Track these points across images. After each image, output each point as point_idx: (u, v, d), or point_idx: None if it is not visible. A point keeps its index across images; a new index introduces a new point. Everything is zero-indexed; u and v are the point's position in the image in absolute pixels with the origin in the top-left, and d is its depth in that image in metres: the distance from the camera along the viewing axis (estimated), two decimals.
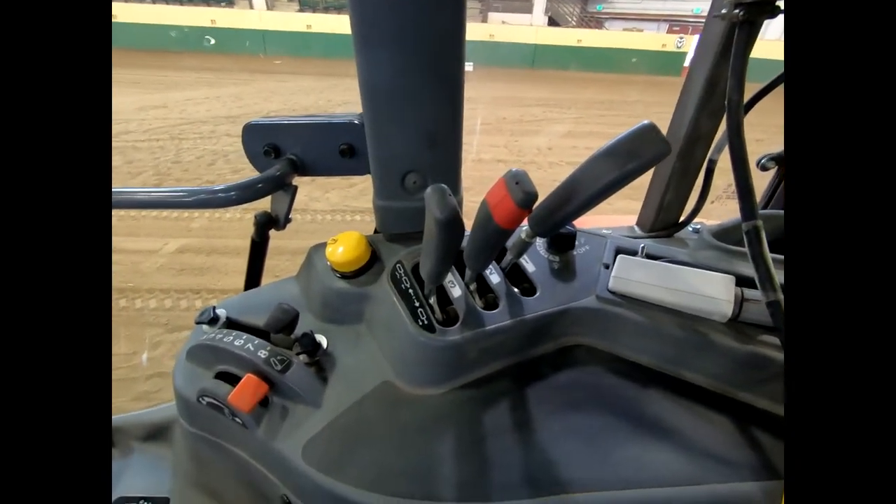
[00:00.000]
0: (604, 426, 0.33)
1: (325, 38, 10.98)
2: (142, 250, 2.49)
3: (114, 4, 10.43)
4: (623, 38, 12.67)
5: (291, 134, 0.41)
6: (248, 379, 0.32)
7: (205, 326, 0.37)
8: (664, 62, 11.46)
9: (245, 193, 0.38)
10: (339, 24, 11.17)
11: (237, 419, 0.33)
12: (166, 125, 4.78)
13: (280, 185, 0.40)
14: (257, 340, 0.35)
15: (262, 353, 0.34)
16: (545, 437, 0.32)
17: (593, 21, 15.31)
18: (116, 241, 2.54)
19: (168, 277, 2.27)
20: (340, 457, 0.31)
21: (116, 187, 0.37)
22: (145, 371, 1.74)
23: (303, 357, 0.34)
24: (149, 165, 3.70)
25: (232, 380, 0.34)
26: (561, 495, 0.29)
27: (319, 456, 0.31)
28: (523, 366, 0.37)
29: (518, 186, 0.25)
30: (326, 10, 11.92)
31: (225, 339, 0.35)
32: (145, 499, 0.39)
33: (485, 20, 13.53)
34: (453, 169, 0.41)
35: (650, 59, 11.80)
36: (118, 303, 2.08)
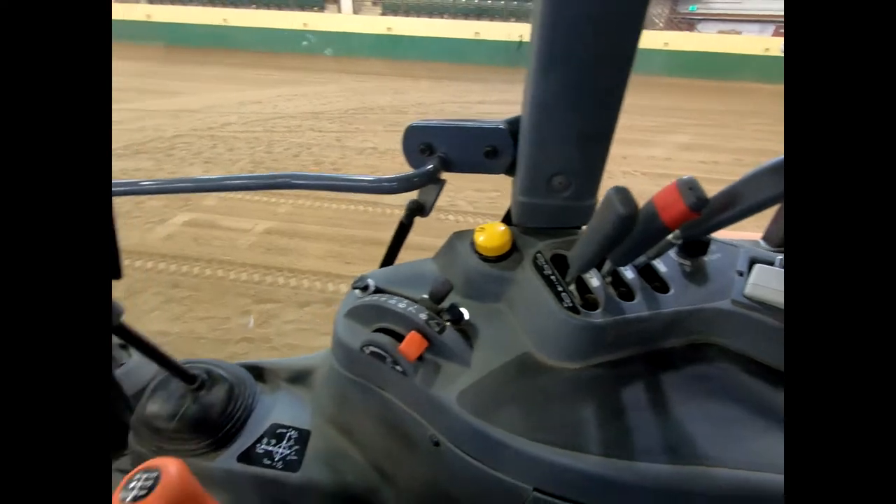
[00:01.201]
0: (737, 417, 0.34)
1: (405, 40, 11.44)
2: (237, 228, 2.80)
3: (225, 10, 11.77)
4: (717, 41, 11.67)
5: (445, 135, 0.46)
6: (413, 335, 0.38)
7: (357, 291, 0.44)
8: (769, 68, 10.35)
9: (404, 184, 0.44)
10: (418, 26, 11.58)
11: (398, 367, 0.39)
12: (260, 119, 5.30)
13: (432, 179, 0.46)
14: (416, 305, 0.41)
15: (423, 316, 0.39)
16: (681, 417, 0.34)
17: (684, 23, 14.27)
18: (217, 219, 2.89)
19: (257, 254, 2.53)
20: (491, 406, 0.35)
21: (296, 172, 0.44)
22: (235, 335, 1.96)
23: (449, 324, 0.40)
24: (245, 154, 4.13)
25: (392, 336, 0.40)
26: (699, 467, 0.31)
27: (472, 403, 0.35)
28: (655, 355, 0.40)
29: (692, 192, 0.28)
30: (408, 13, 12.40)
31: (389, 302, 0.41)
32: (293, 428, 0.47)
33: None
34: (598, 172, 0.45)
35: (751, 64, 10.73)
36: (216, 272, 2.36)
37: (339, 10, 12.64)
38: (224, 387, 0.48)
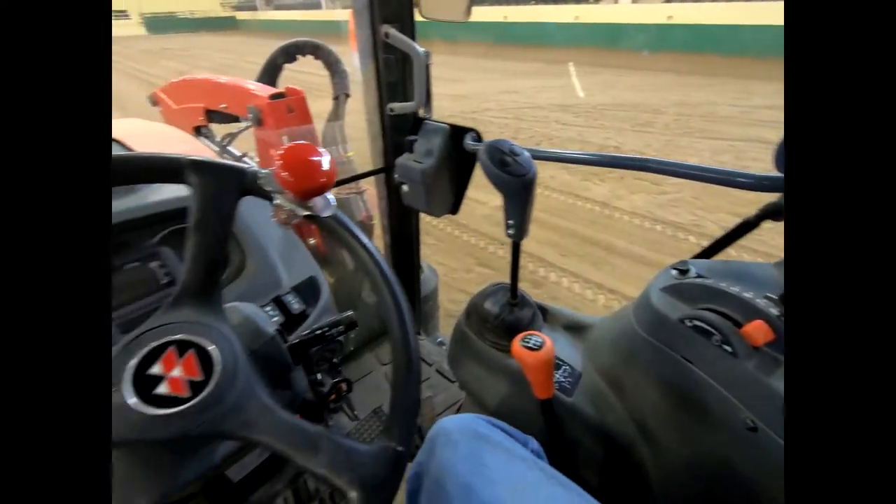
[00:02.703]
0: None
1: (683, 29, 10.01)
2: (477, 199, 3.26)
3: (507, 8, 13.09)
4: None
5: None
6: (761, 323, 0.40)
7: (674, 272, 0.50)
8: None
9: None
10: (707, 13, 9.84)
11: (726, 347, 0.42)
12: (515, 107, 5.81)
13: None
14: (764, 299, 0.43)
15: (774, 311, 0.41)
16: None
17: None
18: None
19: (488, 225, 2.90)
20: None
21: (653, 157, 0.52)
22: (457, 285, 2.36)
23: None
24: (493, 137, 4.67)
25: (723, 318, 0.43)
26: None
27: None
28: None
29: None
30: None
31: (732, 288, 0.44)
32: (568, 364, 0.60)
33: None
34: None
35: None
36: (454, 232, 2.86)
37: (616, 1, 12.11)
38: (531, 310, 0.64)
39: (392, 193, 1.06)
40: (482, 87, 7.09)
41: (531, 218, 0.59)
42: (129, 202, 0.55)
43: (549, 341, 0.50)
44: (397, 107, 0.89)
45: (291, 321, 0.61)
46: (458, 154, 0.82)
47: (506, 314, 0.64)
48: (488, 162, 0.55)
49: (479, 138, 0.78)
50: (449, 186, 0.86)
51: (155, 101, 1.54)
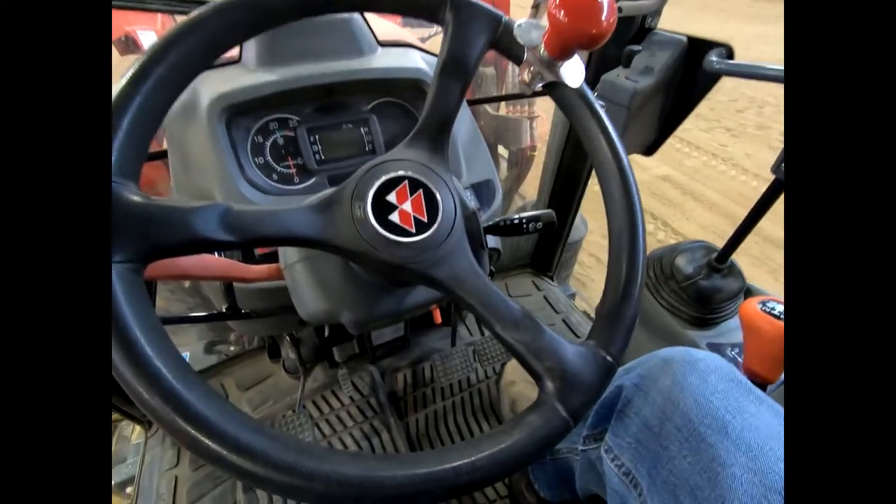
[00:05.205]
0: None
1: None
2: (636, 162, 2.87)
3: None
4: None
5: None
6: None
7: None
8: None
9: None
10: None
11: None
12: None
13: None
14: None
15: None
16: None
17: None
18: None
19: (644, 194, 2.55)
20: None
21: None
22: (588, 248, 2.18)
23: None
24: None
25: None
26: None
27: None
28: None
29: None
30: None
31: None
32: None
33: None
34: None
35: None
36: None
37: None
38: (739, 284, 0.52)
39: None
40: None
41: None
42: (353, 64, 0.58)
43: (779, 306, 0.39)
44: (627, 6, 0.74)
45: None
46: (688, 77, 0.66)
47: (702, 278, 0.53)
48: None
49: (729, 54, 0.61)
50: (657, 118, 0.72)
51: None
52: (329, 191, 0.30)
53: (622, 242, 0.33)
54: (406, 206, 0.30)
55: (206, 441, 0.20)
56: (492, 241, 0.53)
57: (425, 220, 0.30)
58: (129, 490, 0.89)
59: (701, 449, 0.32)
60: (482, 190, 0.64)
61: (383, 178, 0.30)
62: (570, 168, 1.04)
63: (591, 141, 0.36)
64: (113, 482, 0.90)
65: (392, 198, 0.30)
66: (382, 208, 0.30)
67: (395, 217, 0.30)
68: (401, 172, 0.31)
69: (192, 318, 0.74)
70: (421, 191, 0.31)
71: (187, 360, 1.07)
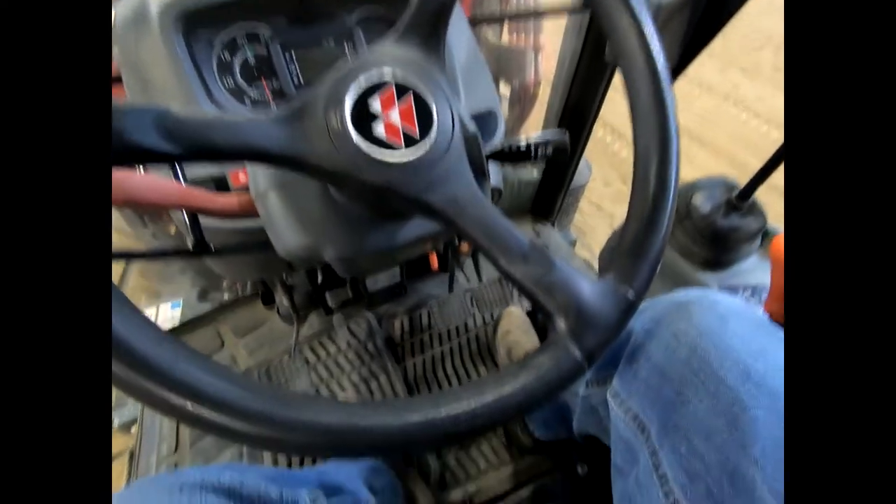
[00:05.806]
0: None
1: None
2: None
3: None
4: None
5: None
6: None
7: None
8: None
9: None
10: None
11: None
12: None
13: None
14: None
15: None
16: None
17: None
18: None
19: None
20: None
21: None
22: (589, 196, 2.13)
23: None
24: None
25: None
26: None
27: None
28: None
29: None
30: None
31: None
32: None
33: None
34: None
35: None
36: (605, 137, 2.48)
37: None
38: (759, 223, 0.48)
39: (589, 45, 0.85)
40: None
41: None
42: None
43: None
44: None
45: None
46: None
47: (720, 217, 0.48)
48: None
49: None
50: (682, 36, 0.64)
51: None
52: (297, 98, 0.25)
53: (650, 159, 0.28)
54: (393, 116, 0.25)
55: (163, 392, 0.17)
56: (493, 177, 0.48)
57: (416, 133, 0.25)
58: (133, 430, 0.91)
59: (720, 392, 0.30)
60: (483, 122, 0.58)
61: (363, 80, 0.25)
62: (578, 105, 0.96)
63: (619, 39, 0.30)
64: (117, 423, 0.91)
65: (376, 105, 0.25)
66: (364, 118, 0.25)
67: (379, 129, 0.25)
68: (385, 71, 0.25)
69: (143, 254, 0.69)
70: (411, 97, 0.26)
71: (180, 307, 1.04)
